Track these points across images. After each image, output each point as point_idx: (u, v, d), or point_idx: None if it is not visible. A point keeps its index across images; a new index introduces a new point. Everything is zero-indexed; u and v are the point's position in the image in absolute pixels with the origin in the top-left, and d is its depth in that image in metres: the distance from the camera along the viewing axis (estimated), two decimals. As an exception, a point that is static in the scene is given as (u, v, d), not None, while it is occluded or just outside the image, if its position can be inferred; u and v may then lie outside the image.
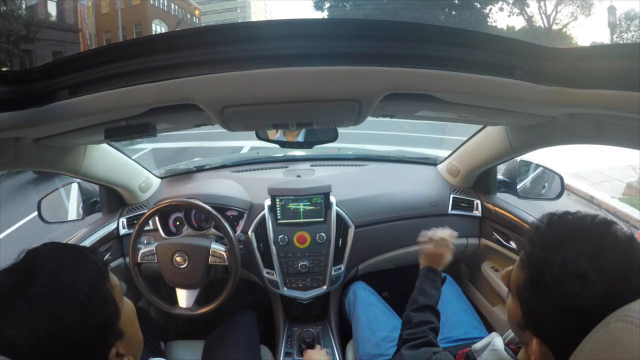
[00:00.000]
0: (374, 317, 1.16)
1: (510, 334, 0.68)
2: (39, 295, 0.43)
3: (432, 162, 1.53)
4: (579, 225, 0.48)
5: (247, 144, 5.72)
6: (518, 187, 1.29)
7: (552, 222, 0.50)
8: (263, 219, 1.26)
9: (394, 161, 1.63)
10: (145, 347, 1.06)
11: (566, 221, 0.50)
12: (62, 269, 0.46)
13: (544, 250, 0.48)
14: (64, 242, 1.02)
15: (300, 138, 0.98)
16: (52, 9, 12.72)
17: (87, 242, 1.16)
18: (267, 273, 1.27)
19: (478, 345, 0.67)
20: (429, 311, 0.85)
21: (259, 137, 0.97)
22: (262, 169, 1.56)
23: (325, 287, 1.27)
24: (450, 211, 1.34)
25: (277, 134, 0.98)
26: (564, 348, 0.45)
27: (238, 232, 1.27)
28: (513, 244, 1.23)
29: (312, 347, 1.20)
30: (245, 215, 1.29)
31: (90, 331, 0.45)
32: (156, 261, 1.12)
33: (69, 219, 1.27)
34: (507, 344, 0.65)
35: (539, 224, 0.51)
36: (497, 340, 0.64)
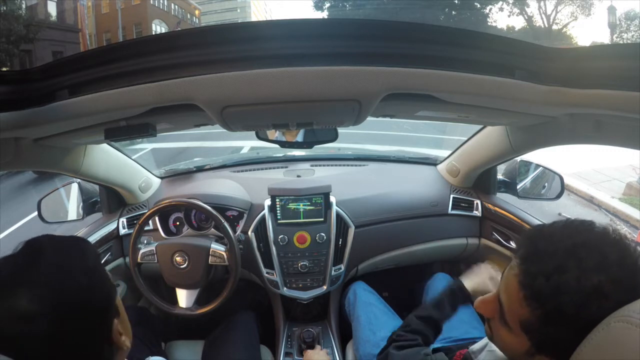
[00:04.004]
0: (374, 317, 1.16)
1: None
2: (49, 264, 0.46)
3: (432, 162, 1.53)
4: (570, 241, 0.46)
5: (247, 144, 5.72)
6: (518, 187, 1.29)
7: (540, 248, 0.48)
8: (263, 219, 1.26)
9: (394, 161, 1.63)
10: (145, 347, 1.06)
11: (555, 240, 0.47)
12: (63, 248, 0.50)
13: (551, 280, 0.45)
14: None
15: (300, 138, 0.98)
16: (52, 9, 12.70)
17: None
18: (267, 273, 1.27)
19: (476, 346, 0.67)
20: (432, 326, 0.85)
21: (259, 137, 0.97)
22: (262, 169, 1.56)
23: (325, 287, 1.27)
24: (450, 211, 1.34)
25: (276, 134, 0.98)
26: None
27: (238, 232, 1.27)
28: (513, 244, 1.23)
29: (312, 347, 1.20)
30: (245, 215, 1.29)
31: (98, 299, 0.49)
32: (156, 261, 1.12)
33: (69, 219, 1.27)
34: None
35: (528, 252, 0.49)
36: None
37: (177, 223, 1.32)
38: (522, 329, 0.49)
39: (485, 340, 0.66)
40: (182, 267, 1.11)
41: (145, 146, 6.44)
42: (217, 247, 1.13)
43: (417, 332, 0.83)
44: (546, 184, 1.27)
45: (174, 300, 1.16)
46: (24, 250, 0.48)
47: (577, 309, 0.43)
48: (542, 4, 14.58)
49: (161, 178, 1.45)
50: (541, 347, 0.48)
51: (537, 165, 1.28)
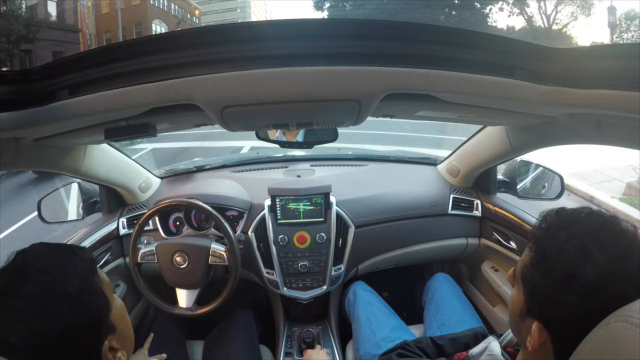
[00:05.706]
0: (374, 317, 1.15)
1: (508, 336, 0.68)
2: (31, 292, 0.44)
3: (432, 162, 1.53)
4: (585, 211, 0.51)
5: (247, 144, 5.73)
6: (518, 187, 1.29)
7: (561, 211, 0.53)
8: (263, 219, 1.26)
9: (394, 161, 1.63)
10: (172, 345, 1.09)
11: (574, 210, 0.52)
12: (52, 266, 0.47)
13: (550, 230, 0.50)
14: (63, 242, 1.02)
15: (300, 138, 0.98)
16: (52, 9, 12.72)
17: (87, 242, 1.16)
18: (267, 273, 1.27)
19: (475, 350, 0.67)
20: (441, 354, 0.86)
21: (259, 137, 0.97)
22: (262, 169, 1.56)
23: (325, 287, 1.27)
24: (450, 211, 1.34)
25: (276, 134, 0.98)
26: (565, 334, 0.46)
27: (238, 232, 1.26)
28: (513, 244, 1.23)
29: (312, 347, 1.20)
30: (245, 215, 1.29)
31: (83, 324, 0.46)
32: (156, 261, 1.12)
33: (69, 219, 1.27)
34: (504, 348, 0.65)
35: (548, 212, 0.53)
36: (493, 345, 0.64)
37: (177, 223, 1.32)
38: (521, 278, 0.53)
39: (484, 343, 0.66)
40: (182, 267, 1.11)
41: (145, 146, 6.45)
42: (217, 247, 1.13)
43: (423, 350, 0.85)
44: (546, 184, 1.27)
45: (174, 300, 1.16)
46: (7, 271, 0.46)
47: (558, 253, 0.47)
48: (542, 4, 14.61)
49: (161, 178, 1.45)
50: (530, 304, 0.51)
51: (537, 165, 1.28)
